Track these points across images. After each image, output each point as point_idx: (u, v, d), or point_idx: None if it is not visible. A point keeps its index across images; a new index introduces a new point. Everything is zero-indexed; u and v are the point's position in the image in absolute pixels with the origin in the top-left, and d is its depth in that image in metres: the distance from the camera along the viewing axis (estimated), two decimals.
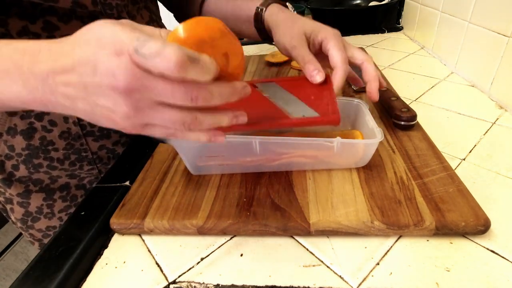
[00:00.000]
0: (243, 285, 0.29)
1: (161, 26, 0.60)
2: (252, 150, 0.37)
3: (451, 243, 0.31)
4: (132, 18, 0.49)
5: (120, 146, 0.54)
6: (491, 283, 0.27)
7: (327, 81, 0.38)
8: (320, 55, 0.40)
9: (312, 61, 0.38)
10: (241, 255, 0.32)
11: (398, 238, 0.32)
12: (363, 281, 0.28)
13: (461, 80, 0.61)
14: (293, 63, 0.72)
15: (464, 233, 0.31)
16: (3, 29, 0.39)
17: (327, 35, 0.39)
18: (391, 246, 0.31)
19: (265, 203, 0.35)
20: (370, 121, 0.38)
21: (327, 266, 0.30)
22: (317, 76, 0.37)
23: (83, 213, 0.37)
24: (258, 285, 0.29)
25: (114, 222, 0.35)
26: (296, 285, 0.29)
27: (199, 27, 0.26)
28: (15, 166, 0.48)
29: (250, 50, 0.91)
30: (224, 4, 0.54)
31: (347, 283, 0.28)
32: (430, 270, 0.29)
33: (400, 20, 0.96)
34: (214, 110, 0.26)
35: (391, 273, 0.29)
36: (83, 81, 0.23)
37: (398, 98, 0.49)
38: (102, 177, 0.43)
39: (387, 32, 0.94)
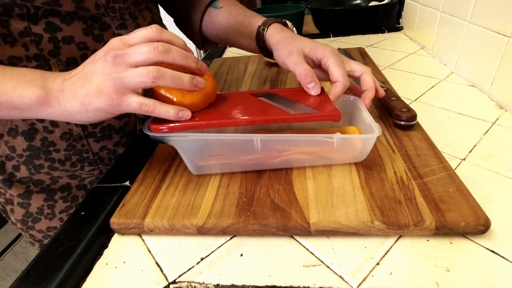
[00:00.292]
0: (243, 285, 0.29)
1: (163, 27, 0.60)
2: (253, 148, 0.37)
3: (451, 243, 0.31)
4: (134, 19, 0.49)
5: (121, 147, 0.54)
6: (491, 283, 0.27)
7: (323, 91, 0.41)
8: (319, 71, 0.44)
9: (308, 75, 0.40)
10: (241, 255, 0.32)
11: (398, 238, 0.32)
12: (363, 281, 0.28)
13: (461, 80, 0.61)
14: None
15: (464, 233, 0.31)
16: (5, 30, 0.39)
17: (326, 53, 0.41)
18: (391, 246, 0.31)
19: (265, 203, 0.35)
20: (367, 117, 0.39)
21: (327, 266, 0.30)
22: (313, 87, 0.40)
23: (83, 213, 0.37)
24: (258, 285, 0.29)
25: (114, 222, 0.35)
26: (296, 285, 0.29)
27: None
28: (16, 167, 0.48)
29: None
30: (225, 18, 0.55)
31: (347, 283, 0.28)
32: (430, 270, 0.29)
33: (400, 20, 0.96)
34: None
35: (391, 273, 0.29)
36: (84, 71, 0.33)
37: (398, 98, 0.49)
38: (102, 177, 0.43)
39: (387, 32, 0.94)
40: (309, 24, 1.17)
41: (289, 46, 0.44)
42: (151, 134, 0.35)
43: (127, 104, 0.33)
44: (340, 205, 0.34)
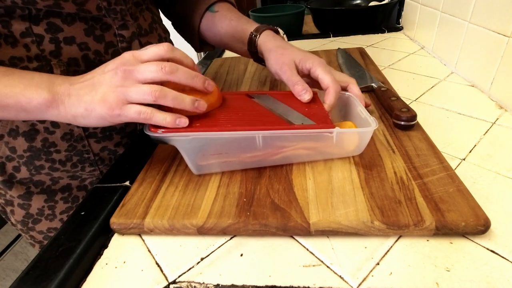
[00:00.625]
0: (243, 285, 0.29)
1: (163, 28, 0.60)
2: (254, 145, 0.37)
3: (451, 243, 0.31)
4: (135, 20, 0.49)
5: (121, 147, 0.54)
6: (491, 283, 0.27)
7: (315, 96, 0.43)
8: (308, 79, 0.46)
9: (300, 83, 0.43)
10: (241, 255, 0.32)
11: (398, 238, 0.32)
12: (363, 281, 0.28)
13: (461, 80, 0.61)
14: None
15: (464, 233, 0.31)
16: (6, 30, 0.39)
17: (314, 63, 0.44)
18: (391, 246, 0.31)
19: (265, 203, 0.35)
20: (362, 111, 0.41)
21: (327, 266, 0.30)
22: (305, 95, 0.42)
23: (83, 213, 0.37)
24: (258, 285, 0.29)
25: (114, 222, 0.35)
26: (296, 285, 0.29)
27: None
28: (16, 168, 0.48)
29: None
30: (221, 22, 0.57)
31: (347, 283, 0.28)
32: (430, 270, 0.29)
33: (400, 20, 0.96)
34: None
35: (391, 273, 0.29)
36: (93, 80, 0.35)
37: (398, 98, 0.49)
38: (102, 177, 0.43)
39: (387, 32, 0.94)
40: (309, 24, 1.17)
41: (281, 57, 0.46)
42: (151, 134, 0.35)
43: (126, 112, 0.34)
44: (340, 205, 0.34)
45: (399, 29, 0.94)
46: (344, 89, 0.46)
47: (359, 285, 0.28)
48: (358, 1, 1.10)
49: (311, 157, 0.40)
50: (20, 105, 0.34)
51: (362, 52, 0.76)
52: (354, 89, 0.45)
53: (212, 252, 0.33)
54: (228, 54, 0.93)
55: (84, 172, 0.52)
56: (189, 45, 0.64)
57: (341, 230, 0.32)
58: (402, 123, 0.44)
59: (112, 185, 0.41)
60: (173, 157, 0.44)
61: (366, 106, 0.45)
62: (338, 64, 0.70)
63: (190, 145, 0.37)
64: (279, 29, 0.54)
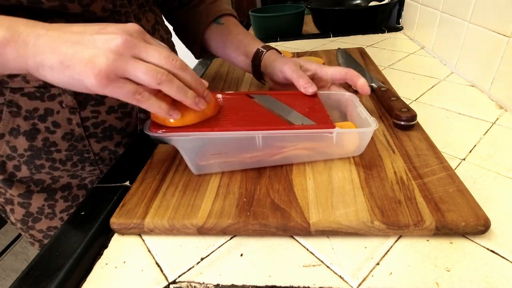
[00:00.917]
0: (243, 285, 0.29)
1: (165, 29, 0.60)
2: (254, 145, 0.37)
3: (451, 243, 0.31)
4: (138, 21, 0.50)
5: (122, 147, 0.54)
6: (491, 283, 0.27)
7: (315, 96, 0.45)
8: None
9: (304, 76, 0.45)
10: (241, 255, 0.32)
11: (398, 238, 0.32)
12: (363, 281, 0.28)
13: (461, 80, 0.61)
14: None
15: (464, 233, 0.31)
16: None
17: (318, 65, 0.49)
18: (391, 246, 0.31)
19: (265, 203, 0.35)
20: (362, 112, 0.41)
21: (327, 266, 0.30)
22: (309, 88, 0.44)
23: (83, 213, 0.37)
24: (258, 285, 0.29)
25: (114, 222, 0.35)
26: (296, 285, 0.29)
27: None
28: (17, 167, 0.48)
29: None
30: (226, 34, 0.59)
31: (347, 283, 0.28)
32: (430, 270, 0.29)
33: (400, 20, 0.96)
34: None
35: (391, 273, 0.29)
36: (83, 34, 0.29)
37: (398, 98, 0.49)
38: (102, 177, 0.43)
39: (387, 32, 0.94)
40: (309, 24, 1.17)
41: (285, 59, 0.50)
42: (152, 134, 0.35)
43: (118, 88, 0.29)
44: (340, 205, 0.34)
45: (399, 29, 0.94)
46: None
47: (359, 285, 0.28)
48: (358, 1, 1.10)
49: (311, 157, 0.40)
50: None
51: (362, 52, 0.76)
52: (353, 73, 0.47)
53: (212, 252, 0.33)
54: None
55: (84, 172, 0.52)
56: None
57: (341, 230, 0.32)
58: (402, 123, 0.44)
59: (112, 185, 0.41)
60: (173, 157, 0.44)
61: (365, 92, 0.47)
62: (338, 64, 0.70)
63: (190, 145, 0.37)
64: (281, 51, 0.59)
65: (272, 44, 0.62)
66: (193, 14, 0.60)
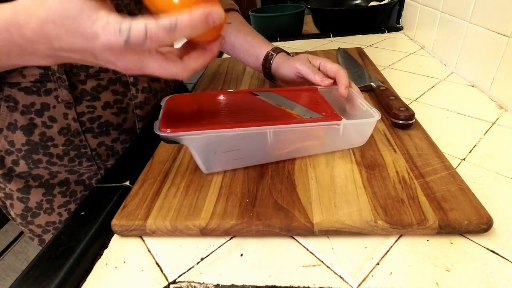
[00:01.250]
0: (243, 285, 0.29)
1: None
2: (266, 140, 0.37)
3: (451, 243, 0.31)
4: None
5: (119, 143, 0.54)
6: (491, 283, 0.27)
7: (316, 91, 0.46)
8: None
9: (318, 73, 0.48)
10: (241, 255, 0.32)
11: (398, 238, 0.32)
12: (363, 281, 0.28)
13: (461, 80, 0.61)
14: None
15: (466, 232, 0.31)
16: None
17: (323, 59, 0.51)
18: (391, 246, 0.31)
19: (268, 203, 0.35)
20: (363, 104, 0.42)
21: (327, 266, 0.30)
22: (326, 81, 0.47)
23: (83, 213, 0.37)
24: (258, 285, 0.29)
25: (115, 224, 0.35)
26: (296, 285, 0.29)
27: None
28: (15, 162, 0.49)
29: None
30: (234, 34, 0.59)
31: (347, 283, 0.28)
32: (430, 270, 0.29)
33: (400, 20, 0.96)
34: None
35: (391, 273, 0.29)
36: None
37: (396, 97, 0.49)
38: (102, 177, 0.43)
39: (387, 32, 0.94)
40: (309, 24, 1.17)
41: (296, 57, 0.52)
42: (162, 134, 0.34)
43: (147, 62, 0.27)
44: (343, 204, 0.33)
45: (399, 29, 0.94)
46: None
47: (359, 285, 0.28)
48: (358, 1, 1.10)
49: (316, 149, 0.41)
50: None
51: (360, 52, 0.76)
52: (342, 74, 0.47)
53: (212, 252, 0.33)
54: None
55: (81, 167, 0.53)
56: None
57: (345, 230, 0.32)
58: (400, 122, 0.44)
59: (112, 185, 0.41)
60: (174, 158, 0.44)
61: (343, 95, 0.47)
62: (338, 63, 0.70)
63: (202, 143, 0.36)
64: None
65: None
66: None
